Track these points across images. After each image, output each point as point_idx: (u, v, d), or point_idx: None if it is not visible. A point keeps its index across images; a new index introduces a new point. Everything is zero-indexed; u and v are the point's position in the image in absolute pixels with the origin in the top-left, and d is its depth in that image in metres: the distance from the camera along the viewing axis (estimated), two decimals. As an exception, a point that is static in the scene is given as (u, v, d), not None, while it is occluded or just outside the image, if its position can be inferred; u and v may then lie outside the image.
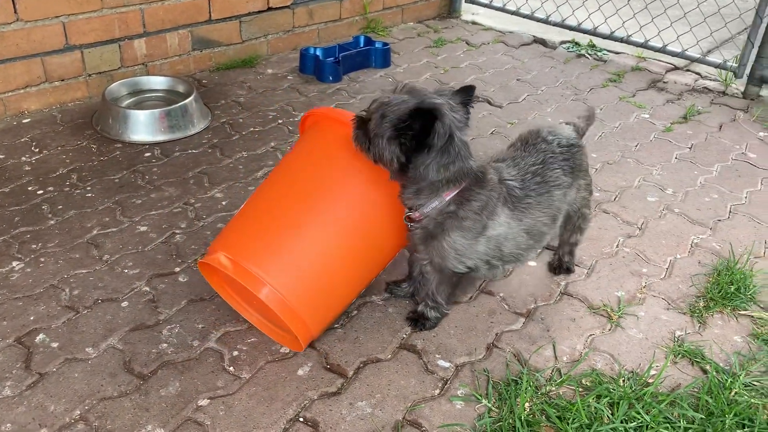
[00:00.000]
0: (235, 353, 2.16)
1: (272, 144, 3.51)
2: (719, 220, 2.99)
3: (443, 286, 2.16)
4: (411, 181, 1.94)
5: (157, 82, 3.89)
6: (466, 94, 1.93)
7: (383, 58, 4.59)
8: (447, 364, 2.15)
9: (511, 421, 1.89)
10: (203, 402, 1.97)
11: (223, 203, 2.97)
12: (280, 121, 3.77)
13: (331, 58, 4.39)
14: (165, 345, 2.18)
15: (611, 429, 1.86)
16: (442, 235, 1.99)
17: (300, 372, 2.09)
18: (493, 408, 1.97)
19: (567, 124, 2.32)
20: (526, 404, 1.95)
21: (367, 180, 2.06)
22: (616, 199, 3.14)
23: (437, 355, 2.18)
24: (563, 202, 2.18)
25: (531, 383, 2.02)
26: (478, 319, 2.34)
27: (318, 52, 4.42)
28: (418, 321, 2.27)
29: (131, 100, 3.77)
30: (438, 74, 4.58)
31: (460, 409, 1.98)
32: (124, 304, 2.34)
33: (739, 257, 2.62)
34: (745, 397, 1.98)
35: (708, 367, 2.10)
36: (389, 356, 2.17)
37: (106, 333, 2.21)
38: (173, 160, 3.31)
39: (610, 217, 2.98)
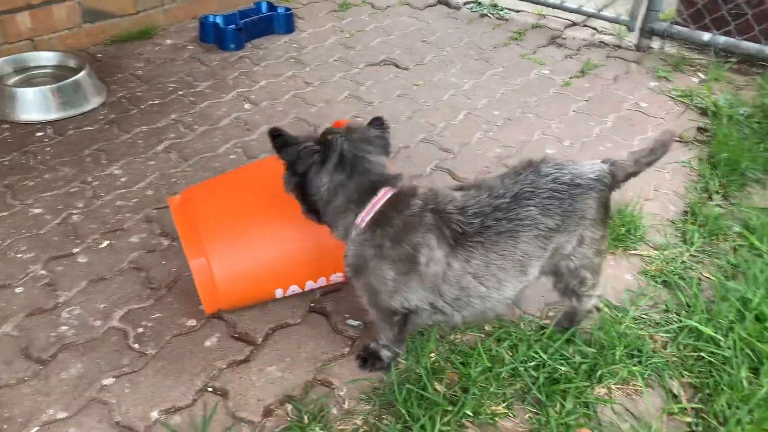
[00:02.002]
0: (140, 330, 2.12)
1: (173, 116, 3.41)
2: (613, 168, 3.14)
3: (384, 325, 1.90)
4: (322, 211, 1.82)
5: (46, 58, 3.69)
6: (377, 123, 1.84)
7: (287, 23, 4.51)
8: (356, 323, 2.18)
9: (417, 370, 1.95)
10: (108, 381, 1.93)
11: (123, 180, 2.87)
12: (180, 93, 3.66)
13: (233, 26, 4.27)
14: (65, 328, 2.11)
15: (511, 369, 1.95)
16: (366, 267, 1.77)
17: (207, 343, 2.08)
18: (401, 360, 2.02)
19: (605, 162, 1.87)
20: (432, 354, 2.01)
21: None
22: (517, 153, 3.24)
23: (346, 315, 2.21)
24: (541, 249, 1.78)
25: (436, 333, 2.08)
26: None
27: (218, 20, 4.30)
28: (367, 360, 2.00)
29: (18, 77, 3.57)
30: (344, 38, 4.54)
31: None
32: (19, 289, 2.25)
33: (630, 200, 2.76)
34: (634, 329, 2.11)
35: (601, 304, 2.22)
36: (299, 320, 2.19)
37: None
38: (67, 139, 3.16)
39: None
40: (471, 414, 1.83)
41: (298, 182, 1.79)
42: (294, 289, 2.12)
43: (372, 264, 1.75)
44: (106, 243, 2.48)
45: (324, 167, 1.73)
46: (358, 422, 1.84)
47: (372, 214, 1.74)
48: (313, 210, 1.83)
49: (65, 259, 2.40)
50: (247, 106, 3.58)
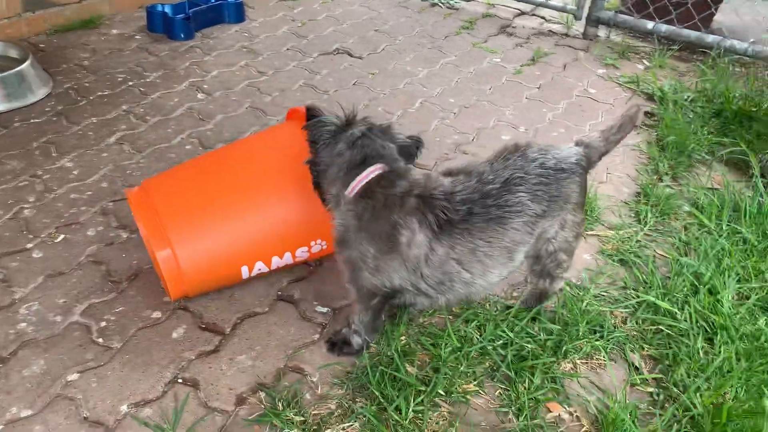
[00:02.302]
0: (103, 324, 2.07)
1: (123, 107, 3.32)
2: (567, 152, 3.21)
3: (360, 306, 1.89)
4: (320, 182, 1.92)
5: (-15, 48, 3.53)
6: (415, 143, 1.92)
7: (237, 12, 4.44)
8: (325, 309, 2.18)
9: (389, 353, 1.96)
10: (72, 377, 1.88)
11: (75, 173, 2.78)
12: (130, 83, 3.57)
13: (181, 15, 4.18)
14: (23, 324, 2.04)
15: (480, 348, 1.99)
16: (349, 239, 1.79)
17: (174, 335, 2.05)
18: (372, 344, 2.03)
19: (579, 144, 1.90)
20: (402, 337, 2.03)
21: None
22: (474, 140, 3.28)
23: (315, 303, 2.21)
24: (528, 235, 1.80)
25: (407, 317, 2.09)
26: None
27: (166, 9, 4.20)
28: (336, 344, 1.99)
29: (-44, 69, 3.40)
30: (296, 28, 4.50)
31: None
32: (-29, 287, 2.16)
33: (586, 184, 2.83)
34: (596, 306, 2.18)
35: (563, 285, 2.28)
36: (267, 309, 2.17)
37: (-47, 319, 2.04)
38: (13, 132, 3.04)
39: (469, 156, 3.12)
40: (443, 393, 1.86)
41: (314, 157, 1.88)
42: (260, 266, 2.10)
43: (354, 236, 1.77)
44: (61, 237, 2.41)
45: (334, 144, 1.80)
46: (332, 406, 1.84)
47: (360, 187, 1.77)
48: (318, 183, 1.91)
49: (19, 254, 2.32)
50: (200, 96, 3.51)
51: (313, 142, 1.87)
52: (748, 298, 2.21)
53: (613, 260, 2.45)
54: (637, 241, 2.55)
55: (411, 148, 1.88)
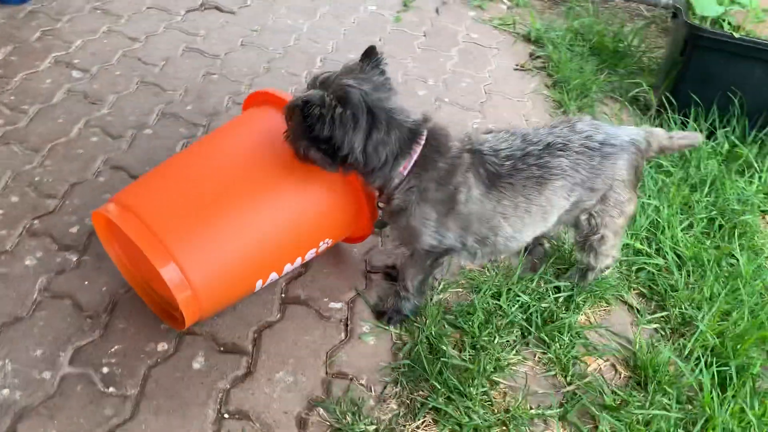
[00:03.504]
0: (105, 370, 1.79)
1: (-11, 97, 2.74)
2: (482, 102, 3.31)
3: (414, 270, 1.92)
4: (360, 169, 1.72)
5: None
6: (370, 57, 1.70)
7: (74, -34, 3.79)
8: (339, 305, 2.09)
9: (423, 338, 1.95)
10: (102, 442, 1.62)
11: (-31, 188, 2.28)
12: (-20, 65, 2.94)
13: (9, -28, 3.48)
14: (6, 391, 1.69)
15: (508, 318, 2.05)
16: (409, 212, 1.76)
17: (196, 365, 1.84)
18: (403, 332, 2.00)
19: (640, 129, 1.92)
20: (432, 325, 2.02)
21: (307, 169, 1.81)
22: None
23: (325, 299, 2.10)
24: (564, 199, 1.82)
25: (434, 311, 2.08)
26: (347, 253, 2.29)
27: (-14, -35, 3.46)
28: (385, 313, 2.02)
29: None
30: (145, -19, 3.98)
31: (375, 345, 1.97)
32: None
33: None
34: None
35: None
36: (279, 316, 2.02)
37: None
38: None
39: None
40: (493, 369, 1.90)
41: (319, 145, 1.65)
42: (273, 277, 1.91)
43: (415, 208, 1.75)
44: (-7, 274, 1.99)
45: (357, 129, 1.62)
46: (394, 406, 1.81)
47: (413, 160, 1.71)
48: (338, 164, 1.71)
49: (-51, 305, 1.88)
50: (75, 74, 3.01)
51: (312, 131, 1.62)
52: (692, 227, 2.51)
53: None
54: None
55: (387, 77, 1.74)
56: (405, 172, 1.72)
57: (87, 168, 2.46)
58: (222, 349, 1.89)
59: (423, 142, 1.72)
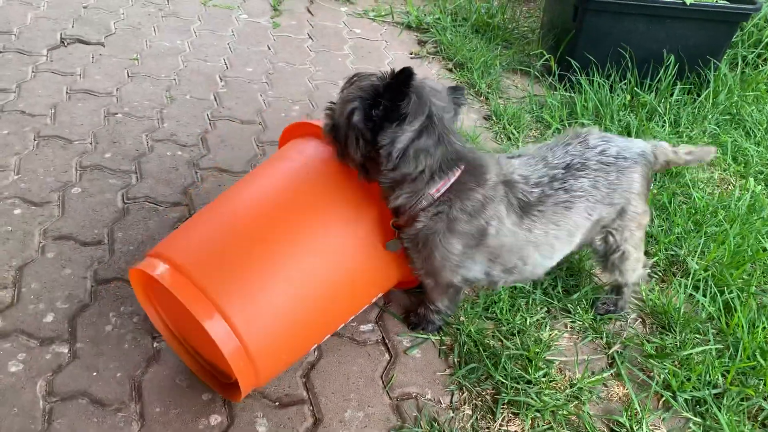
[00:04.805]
0: (165, 464, 1.58)
1: None
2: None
3: (442, 297, 1.87)
4: (386, 175, 1.57)
5: None
6: (456, 93, 1.64)
7: None
8: (368, 326, 2.01)
9: (466, 338, 1.95)
10: None
11: None
12: None
13: None
14: None
15: (529, 298, 2.11)
16: (433, 242, 1.65)
17: (261, 429, 1.68)
18: (443, 337, 1.98)
19: (649, 143, 1.88)
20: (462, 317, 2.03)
21: (362, 205, 1.68)
22: (317, 107, 3.14)
23: (353, 324, 2.01)
24: (587, 220, 1.78)
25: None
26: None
27: None
28: (419, 324, 1.98)
29: None
30: None
31: (423, 357, 1.93)
32: None
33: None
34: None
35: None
36: (316, 354, 1.90)
37: None
38: None
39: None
40: (539, 350, 1.95)
41: (363, 131, 1.52)
42: (327, 338, 1.80)
43: (440, 238, 1.65)
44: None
45: (408, 123, 1.51)
46: (469, 411, 1.79)
47: (449, 184, 1.62)
48: (371, 168, 1.60)
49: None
50: (-46, 140, 2.57)
51: (365, 109, 1.52)
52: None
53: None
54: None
55: (458, 100, 1.70)
56: (436, 195, 1.62)
57: (26, 246, 2.12)
58: (278, 404, 1.75)
59: (463, 167, 1.63)
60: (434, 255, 1.68)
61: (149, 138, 2.73)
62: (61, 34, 3.46)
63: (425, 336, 1.98)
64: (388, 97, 1.48)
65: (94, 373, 1.75)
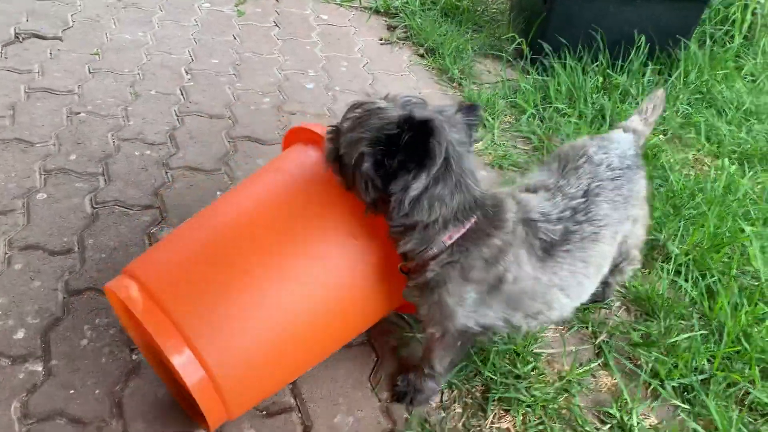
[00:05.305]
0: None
1: None
2: (371, 83, 3.26)
3: (446, 353, 1.65)
4: (395, 220, 1.43)
5: None
6: (470, 113, 1.46)
7: None
8: (354, 327, 1.97)
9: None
10: None
11: None
12: None
13: None
14: None
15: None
16: (444, 290, 1.49)
17: (250, 441, 1.64)
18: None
19: (626, 130, 1.77)
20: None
21: (351, 229, 1.53)
22: (286, 98, 3.07)
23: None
24: (612, 245, 1.64)
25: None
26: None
27: None
28: (406, 394, 1.76)
29: None
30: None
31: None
32: None
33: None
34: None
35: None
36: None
37: None
38: None
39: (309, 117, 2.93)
40: (526, 344, 1.93)
41: (373, 177, 1.37)
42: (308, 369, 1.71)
43: (453, 285, 1.48)
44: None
45: (422, 171, 1.35)
46: (459, 409, 1.78)
47: (464, 231, 1.46)
48: (375, 203, 1.44)
49: None
50: None
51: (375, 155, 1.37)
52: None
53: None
54: (495, 142, 2.84)
55: (473, 121, 1.50)
56: (449, 242, 1.46)
57: (-9, 257, 2.03)
58: (266, 413, 1.71)
59: (479, 213, 1.46)
60: (445, 301, 1.50)
61: (115, 137, 2.63)
62: (15, 29, 3.30)
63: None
64: (405, 152, 1.33)
65: (72, 391, 1.68)
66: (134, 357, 1.79)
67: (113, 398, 1.68)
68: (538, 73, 3.30)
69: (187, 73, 3.16)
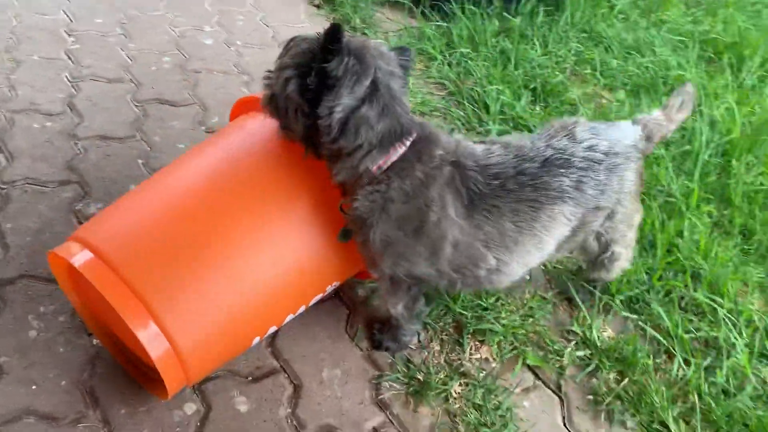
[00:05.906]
0: (150, 467, 1.44)
1: None
2: (273, 37, 3.14)
3: (396, 299, 1.62)
4: (326, 149, 1.41)
5: None
6: (403, 54, 1.46)
7: None
8: (318, 282, 1.94)
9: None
10: None
11: None
12: None
13: None
14: None
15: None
16: (372, 230, 1.44)
17: (242, 408, 1.59)
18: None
19: (636, 122, 1.63)
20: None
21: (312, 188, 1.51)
22: (181, 49, 2.88)
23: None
24: (564, 224, 1.52)
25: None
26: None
27: None
28: (382, 342, 1.76)
29: None
30: None
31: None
32: None
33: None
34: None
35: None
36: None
37: None
38: None
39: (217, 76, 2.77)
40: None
41: (300, 102, 1.37)
42: (272, 330, 1.63)
43: (377, 221, 1.44)
44: None
45: (347, 90, 1.34)
46: (437, 346, 1.82)
47: (391, 161, 1.42)
48: (309, 136, 1.43)
49: None
50: None
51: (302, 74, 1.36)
52: (520, 99, 2.84)
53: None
54: (411, 89, 2.87)
55: (407, 72, 1.52)
56: (377, 173, 1.42)
57: None
58: (251, 378, 1.65)
59: (408, 143, 1.43)
60: (371, 240, 1.46)
61: (4, 110, 2.35)
62: None
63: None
64: (320, 60, 1.31)
65: (33, 387, 1.53)
66: (95, 341, 1.65)
67: (83, 387, 1.55)
68: (438, 20, 3.33)
69: (69, 35, 2.86)
